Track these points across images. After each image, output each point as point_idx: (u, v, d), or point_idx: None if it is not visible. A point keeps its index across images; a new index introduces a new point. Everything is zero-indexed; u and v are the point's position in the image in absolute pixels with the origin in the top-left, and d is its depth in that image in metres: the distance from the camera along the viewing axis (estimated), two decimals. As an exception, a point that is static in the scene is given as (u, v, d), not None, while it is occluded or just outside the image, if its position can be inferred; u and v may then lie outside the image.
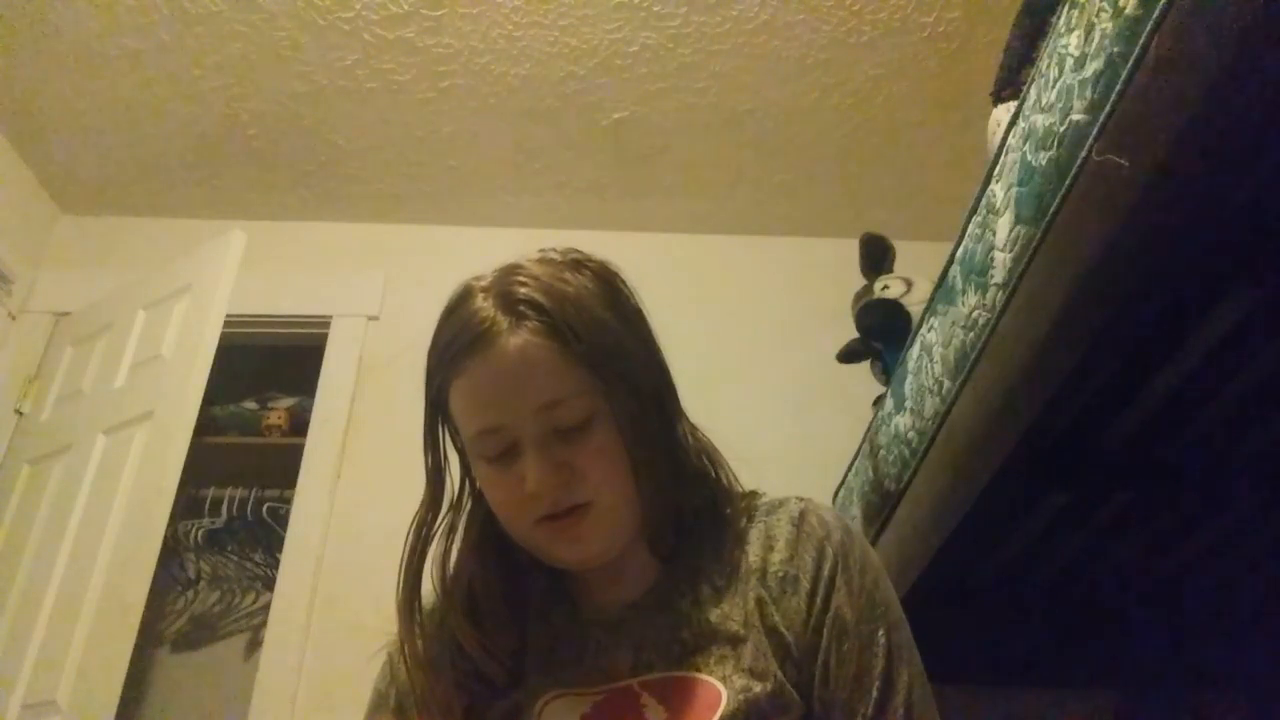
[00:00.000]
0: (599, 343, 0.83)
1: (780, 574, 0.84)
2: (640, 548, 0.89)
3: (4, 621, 2.12)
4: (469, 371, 0.83)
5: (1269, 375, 1.11)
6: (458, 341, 0.84)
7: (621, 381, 0.83)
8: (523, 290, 0.83)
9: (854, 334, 2.05)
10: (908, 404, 1.44)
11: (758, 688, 0.77)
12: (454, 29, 2.31)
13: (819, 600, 0.82)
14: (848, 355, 2.12)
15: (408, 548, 0.90)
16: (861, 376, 2.12)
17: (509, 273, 0.86)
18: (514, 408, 0.81)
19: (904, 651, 0.82)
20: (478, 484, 0.91)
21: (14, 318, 2.66)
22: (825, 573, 0.83)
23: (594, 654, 0.85)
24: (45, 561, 2.15)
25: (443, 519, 0.92)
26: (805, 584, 0.83)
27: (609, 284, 0.88)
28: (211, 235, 2.42)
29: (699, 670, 0.80)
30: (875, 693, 0.78)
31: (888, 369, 1.94)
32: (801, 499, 0.91)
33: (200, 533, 2.79)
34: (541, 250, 0.89)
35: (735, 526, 0.89)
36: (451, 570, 0.91)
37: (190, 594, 2.92)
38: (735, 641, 0.81)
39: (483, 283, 0.86)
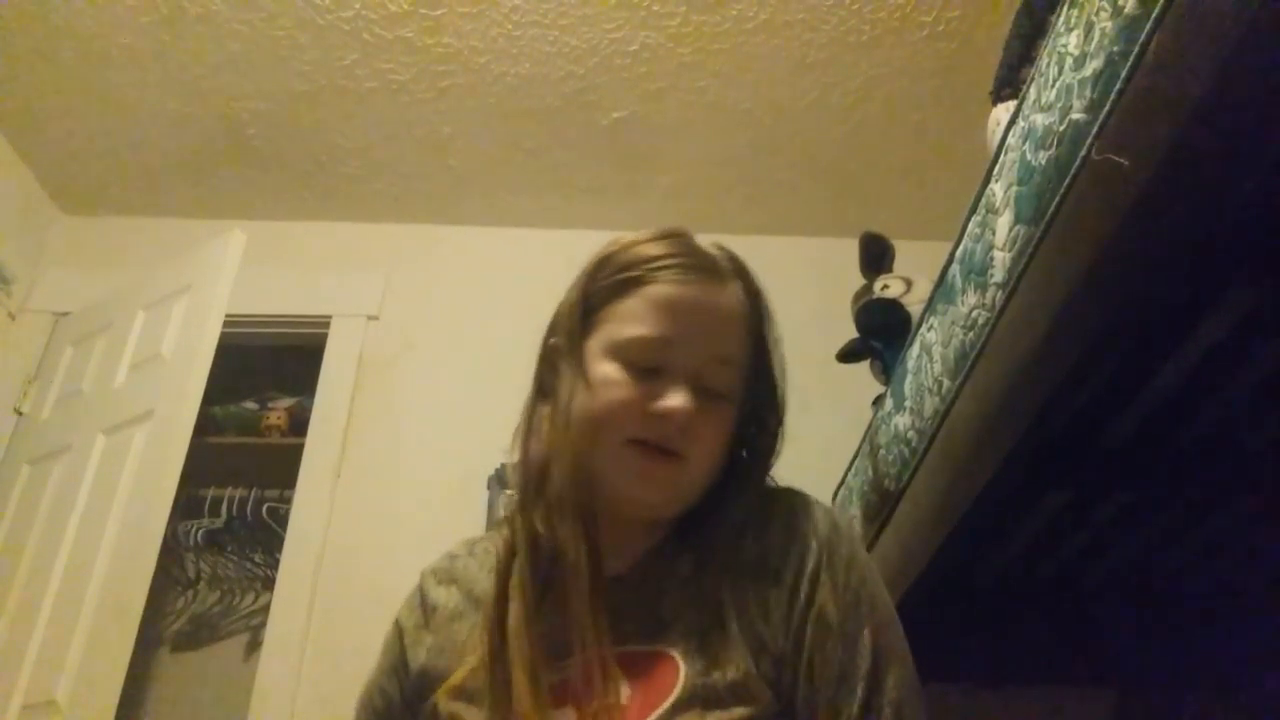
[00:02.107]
0: (772, 344, 0.92)
1: (761, 565, 0.83)
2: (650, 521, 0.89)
3: (4, 621, 2.12)
4: (680, 283, 0.86)
5: (1268, 374, 1.11)
6: (677, 256, 0.87)
7: (766, 389, 0.91)
8: (738, 259, 0.92)
9: (853, 333, 2.05)
10: (907, 403, 1.44)
11: (716, 674, 0.76)
12: (453, 28, 2.31)
13: (802, 596, 0.80)
14: (847, 355, 2.12)
15: (577, 417, 0.85)
16: (861, 376, 2.12)
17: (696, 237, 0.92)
18: (698, 339, 0.84)
19: (893, 653, 0.80)
20: (585, 380, 0.86)
21: (14, 318, 2.66)
22: (809, 568, 0.82)
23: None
24: (45, 561, 2.15)
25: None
26: (788, 579, 0.81)
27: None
28: (211, 235, 2.42)
29: (670, 647, 0.79)
30: (860, 693, 0.76)
31: (887, 368, 1.93)
32: (795, 491, 0.91)
33: (200, 533, 2.80)
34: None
35: (733, 515, 0.88)
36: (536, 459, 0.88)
37: (190, 594, 2.92)
38: (706, 625, 0.79)
39: (672, 229, 0.92)
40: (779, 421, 0.94)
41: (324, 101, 2.49)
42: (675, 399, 0.81)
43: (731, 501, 0.88)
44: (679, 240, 0.90)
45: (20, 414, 2.55)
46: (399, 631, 0.94)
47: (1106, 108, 0.82)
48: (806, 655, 0.78)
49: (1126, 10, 0.79)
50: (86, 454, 2.26)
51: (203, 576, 2.91)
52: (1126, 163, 0.79)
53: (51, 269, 2.78)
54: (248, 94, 2.48)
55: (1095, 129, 0.84)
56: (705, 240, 0.92)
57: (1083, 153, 0.86)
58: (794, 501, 0.89)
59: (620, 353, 0.84)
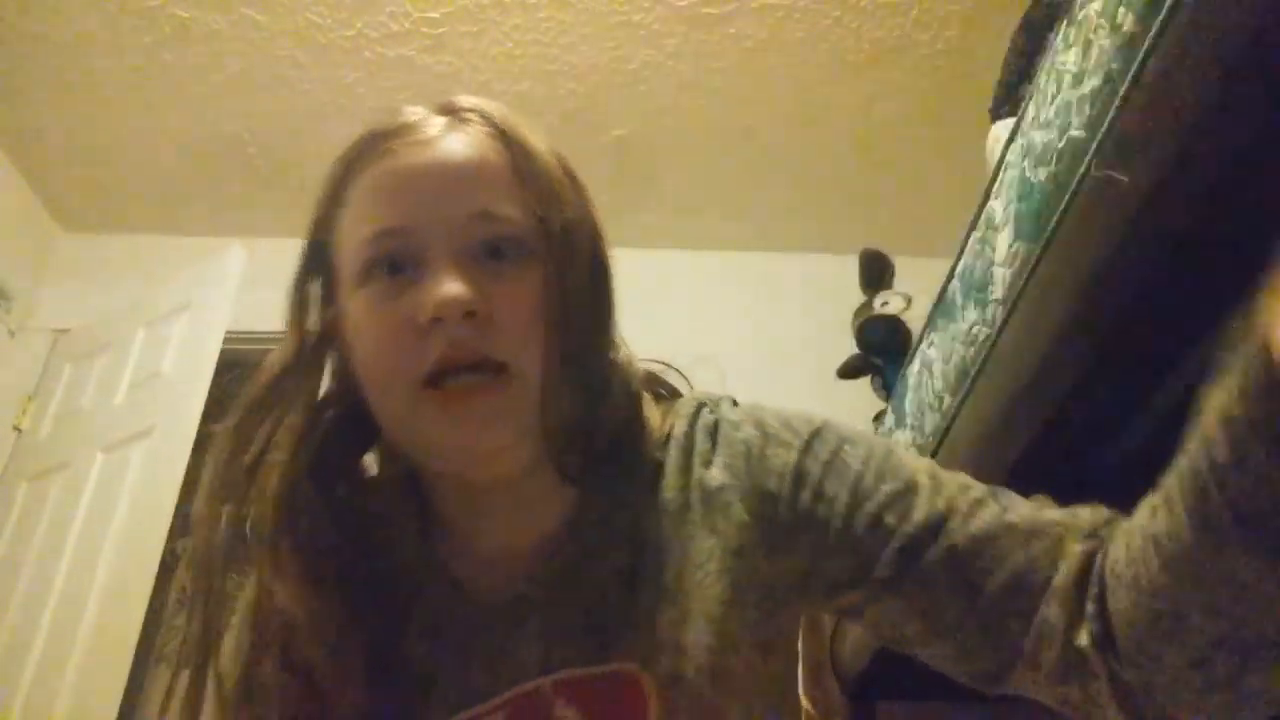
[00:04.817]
0: (552, 179, 0.66)
1: (712, 488, 0.67)
2: (540, 474, 0.67)
3: (1, 639, 2.11)
4: (383, 160, 0.64)
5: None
6: (378, 130, 0.66)
7: (566, 238, 0.64)
8: (468, 101, 0.68)
9: (854, 349, 2.05)
10: (908, 420, 1.43)
11: (685, 664, 0.61)
12: (454, 47, 2.32)
13: (773, 481, 0.66)
14: (848, 371, 2.12)
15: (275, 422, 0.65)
16: (862, 392, 2.12)
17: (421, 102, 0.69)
18: (438, 207, 0.62)
19: (856, 438, 0.68)
20: (348, 333, 0.66)
21: (13, 335, 2.66)
22: (755, 460, 0.68)
23: (490, 652, 0.64)
24: (43, 579, 2.14)
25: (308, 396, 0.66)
26: (742, 486, 0.67)
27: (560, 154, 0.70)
28: (212, 252, 2.42)
29: (621, 659, 0.62)
30: (884, 491, 0.64)
31: (888, 385, 1.94)
32: (701, 402, 0.74)
33: (199, 550, 2.78)
34: None
35: (652, 457, 0.69)
36: (272, 492, 0.63)
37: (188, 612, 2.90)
38: (657, 604, 0.63)
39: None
40: (595, 270, 0.67)
41: (325, 120, 2.50)
42: (436, 289, 0.59)
43: (592, 395, 0.65)
44: (381, 115, 0.68)
45: (19, 431, 2.54)
46: None
47: (1105, 125, 0.82)
48: (814, 512, 0.65)
49: (1125, 28, 0.79)
50: (85, 471, 2.25)
51: (201, 594, 2.90)
52: (1125, 179, 0.79)
53: (51, 286, 2.78)
54: (249, 112, 2.49)
55: (1094, 146, 0.84)
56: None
57: (1082, 169, 0.86)
58: (718, 414, 0.72)
59: (355, 276, 0.64)
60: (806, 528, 0.65)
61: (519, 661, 0.63)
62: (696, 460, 0.69)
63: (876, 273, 2.04)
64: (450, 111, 0.67)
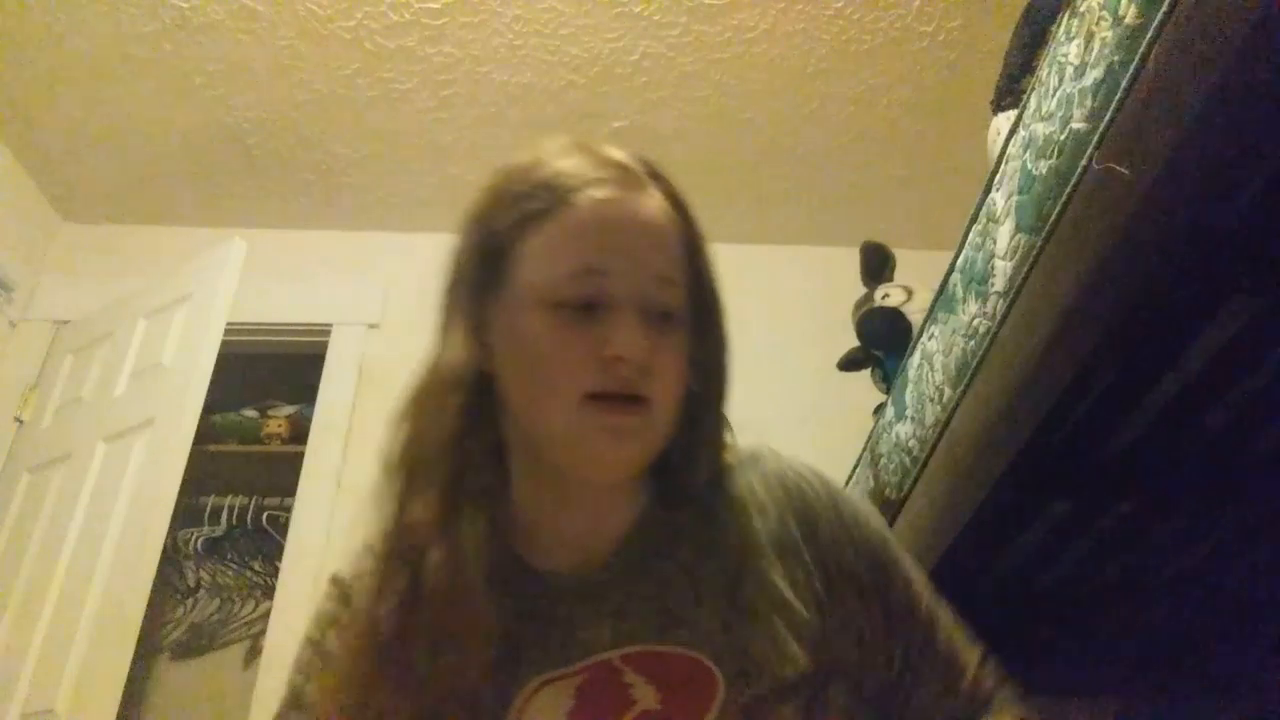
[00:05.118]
0: (707, 254, 0.80)
1: (774, 541, 0.78)
2: (628, 484, 0.80)
3: (3, 629, 2.12)
4: (599, 200, 0.74)
5: (1268, 382, 1.11)
6: (587, 169, 0.75)
7: (711, 308, 0.81)
8: (651, 162, 0.80)
9: (854, 342, 2.05)
10: (908, 412, 1.44)
11: (756, 676, 0.71)
12: (455, 38, 2.31)
13: (831, 565, 0.78)
14: (848, 363, 2.12)
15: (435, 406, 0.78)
16: (862, 385, 2.12)
17: (600, 143, 0.80)
18: (635, 260, 0.73)
19: (900, 557, 0.84)
20: (504, 336, 0.76)
21: (14, 325, 2.66)
22: (827, 536, 0.79)
23: (566, 628, 0.74)
24: (45, 570, 2.14)
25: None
26: (805, 550, 0.78)
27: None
28: (212, 244, 2.42)
29: (692, 648, 0.72)
30: (920, 630, 0.81)
31: (888, 377, 1.94)
32: (773, 451, 0.86)
33: (200, 541, 2.79)
34: None
35: (725, 490, 0.82)
36: (426, 455, 0.76)
37: (189, 602, 2.91)
38: (729, 619, 0.73)
39: (570, 141, 0.80)
40: (725, 342, 0.83)
41: (325, 110, 2.49)
42: (628, 335, 0.70)
43: (702, 446, 0.80)
44: (582, 151, 0.78)
45: (20, 422, 2.54)
46: None
47: (1107, 117, 0.82)
48: (851, 620, 0.78)
49: (1127, 20, 0.79)
50: (87, 462, 2.26)
51: (202, 584, 2.91)
52: (1127, 172, 0.79)
53: (52, 277, 2.77)
54: (249, 103, 2.48)
55: (1096, 138, 0.84)
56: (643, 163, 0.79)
57: (1083, 162, 0.86)
58: (781, 465, 0.84)
59: (547, 297, 0.73)
60: (837, 613, 0.77)
61: (591, 638, 0.73)
62: (760, 497, 0.80)
63: (877, 265, 2.03)
64: (630, 167, 0.77)
